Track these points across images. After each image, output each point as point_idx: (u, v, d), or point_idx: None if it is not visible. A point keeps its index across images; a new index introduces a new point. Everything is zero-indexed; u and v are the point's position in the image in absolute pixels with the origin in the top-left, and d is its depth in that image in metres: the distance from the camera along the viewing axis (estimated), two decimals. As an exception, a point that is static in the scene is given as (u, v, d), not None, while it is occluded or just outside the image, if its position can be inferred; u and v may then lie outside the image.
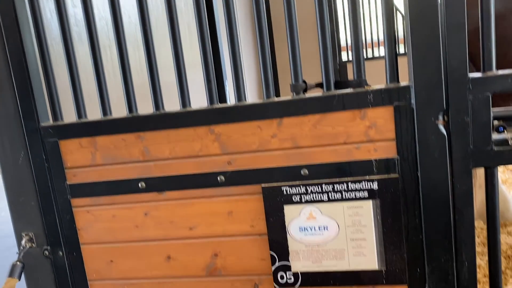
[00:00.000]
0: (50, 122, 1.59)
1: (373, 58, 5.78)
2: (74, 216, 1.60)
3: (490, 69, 1.26)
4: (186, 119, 1.45)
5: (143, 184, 1.53)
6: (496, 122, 1.30)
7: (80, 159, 1.56)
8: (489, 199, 1.35)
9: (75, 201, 1.60)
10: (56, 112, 1.57)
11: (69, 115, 1.61)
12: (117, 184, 1.55)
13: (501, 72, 1.25)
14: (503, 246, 2.79)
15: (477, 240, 2.92)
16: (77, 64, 1.54)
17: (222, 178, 1.47)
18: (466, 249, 1.35)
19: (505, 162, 1.31)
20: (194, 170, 1.49)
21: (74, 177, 1.58)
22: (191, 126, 1.46)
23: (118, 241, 1.60)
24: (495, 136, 1.29)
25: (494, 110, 1.27)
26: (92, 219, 1.60)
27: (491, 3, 1.23)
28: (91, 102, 1.65)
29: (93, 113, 1.60)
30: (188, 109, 1.47)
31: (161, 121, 1.47)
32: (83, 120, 1.55)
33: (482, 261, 2.65)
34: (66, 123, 1.56)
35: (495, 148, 1.28)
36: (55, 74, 1.58)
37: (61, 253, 1.63)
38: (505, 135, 1.28)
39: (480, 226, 3.06)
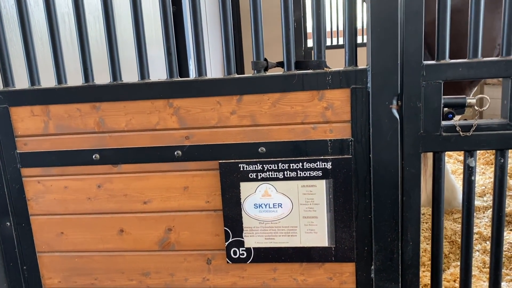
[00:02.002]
0: (0, 87, 1.52)
1: (337, 46, 5.84)
2: (24, 186, 1.55)
3: (444, 57, 1.31)
4: (144, 91, 1.43)
5: (97, 155, 1.50)
6: (446, 109, 1.35)
7: (32, 128, 1.51)
8: (435, 182, 1.41)
9: (25, 171, 1.54)
10: (7, 77, 1.50)
11: (23, 82, 1.55)
12: (70, 154, 1.51)
13: (453, 61, 1.30)
14: (449, 232, 2.94)
15: (425, 225, 3.06)
16: (32, 29, 1.47)
17: (179, 152, 1.46)
18: (412, 230, 1.41)
19: (452, 148, 1.37)
20: (150, 143, 1.47)
21: (24, 146, 1.53)
22: (149, 98, 1.44)
23: (69, 213, 1.56)
24: (444, 122, 1.35)
25: (444, 97, 1.32)
26: (43, 190, 1.56)
27: (447, -6, 1.28)
28: (46, 72, 1.59)
29: (49, 82, 1.54)
30: (146, 80, 1.44)
31: (118, 91, 1.44)
32: (36, 87, 1.49)
33: (428, 246, 2.78)
34: (17, 89, 1.49)
35: (444, 134, 1.34)
36: (8, 38, 1.51)
37: (8, 223, 1.58)
38: (454, 122, 1.34)
39: (429, 213, 3.20)
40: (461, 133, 1.32)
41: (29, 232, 1.59)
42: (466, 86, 2.61)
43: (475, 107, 1.36)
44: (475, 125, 1.32)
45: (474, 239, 2.74)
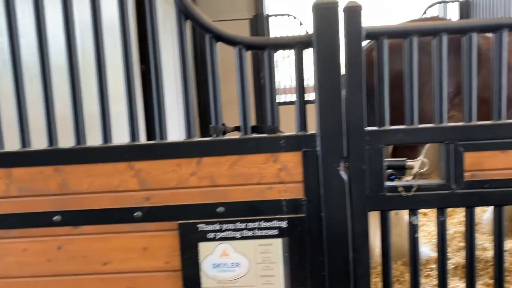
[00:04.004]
0: (-36, 150, 1.55)
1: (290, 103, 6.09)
2: (-18, 249, 1.55)
3: (384, 124, 1.45)
4: (106, 154, 1.49)
5: (59, 217, 1.52)
6: (388, 171, 1.47)
7: (-7, 190, 1.53)
8: (383, 240, 1.50)
9: (-17, 233, 1.54)
10: (-30, 141, 1.54)
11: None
12: (31, 216, 1.52)
13: (392, 127, 1.44)
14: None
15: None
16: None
17: (139, 214, 1.50)
18: (363, 285, 1.48)
19: (396, 207, 1.48)
20: (111, 205, 1.51)
21: (-16, 208, 1.54)
22: (111, 161, 1.49)
23: (28, 275, 1.55)
24: (388, 183, 1.46)
25: (386, 160, 1.45)
26: (1, 252, 1.55)
27: (384, 72, 1.43)
28: (8, 132, 1.63)
29: (10, 142, 1.58)
30: (108, 144, 1.51)
31: (81, 155, 1.49)
32: (0, 150, 1.53)
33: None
34: (-20, 153, 1.53)
35: (388, 194, 1.45)
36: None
37: (-38, 288, 1.55)
38: (396, 183, 1.45)
39: (396, 267, 3.26)
40: (402, 193, 1.44)
41: (-16, 297, 1.57)
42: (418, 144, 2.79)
43: (416, 169, 1.48)
44: (415, 186, 1.44)
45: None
